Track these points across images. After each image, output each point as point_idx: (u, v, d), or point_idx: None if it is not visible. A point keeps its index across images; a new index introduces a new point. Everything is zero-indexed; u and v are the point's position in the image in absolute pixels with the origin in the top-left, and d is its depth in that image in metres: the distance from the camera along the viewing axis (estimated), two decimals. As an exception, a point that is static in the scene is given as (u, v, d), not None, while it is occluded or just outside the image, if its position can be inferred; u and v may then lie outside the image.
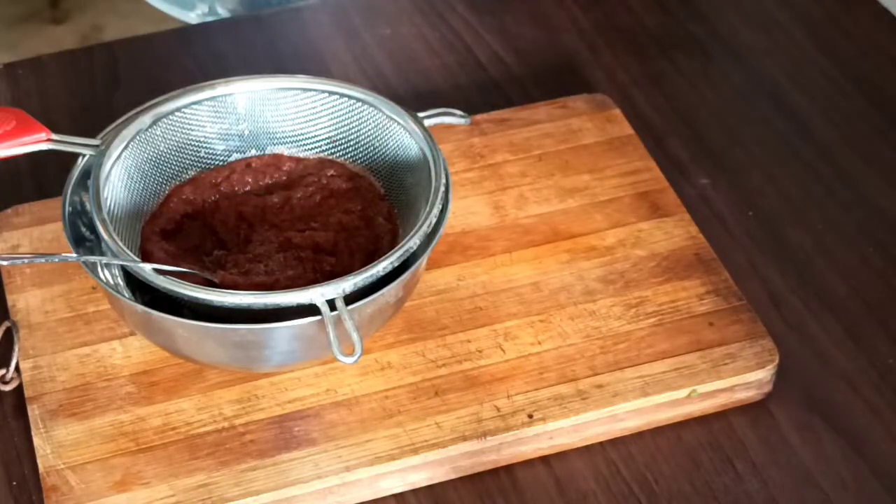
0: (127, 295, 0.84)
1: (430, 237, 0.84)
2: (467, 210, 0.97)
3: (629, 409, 0.86)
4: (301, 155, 0.92)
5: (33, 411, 0.86)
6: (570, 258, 0.94)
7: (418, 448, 0.84)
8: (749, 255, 0.98)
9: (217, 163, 0.92)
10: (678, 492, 0.84)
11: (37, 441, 0.84)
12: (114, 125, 0.87)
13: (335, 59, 1.15)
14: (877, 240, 1.00)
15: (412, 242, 0.82)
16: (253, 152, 0.92)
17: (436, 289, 0.92)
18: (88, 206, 0.84)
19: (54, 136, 0.82)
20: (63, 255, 0.82)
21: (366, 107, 0.91)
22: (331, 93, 0.91)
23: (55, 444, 0.84)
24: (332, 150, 0.92)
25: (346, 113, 0.91)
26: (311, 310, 0.79)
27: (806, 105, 1.11)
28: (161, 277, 0.79)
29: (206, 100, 0.90)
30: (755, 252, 0.99)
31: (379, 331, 0.88)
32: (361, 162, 0.92)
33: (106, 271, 0.86)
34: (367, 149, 0.91)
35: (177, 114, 0.89)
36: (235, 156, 0.92)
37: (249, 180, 0.91)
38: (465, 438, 0.84)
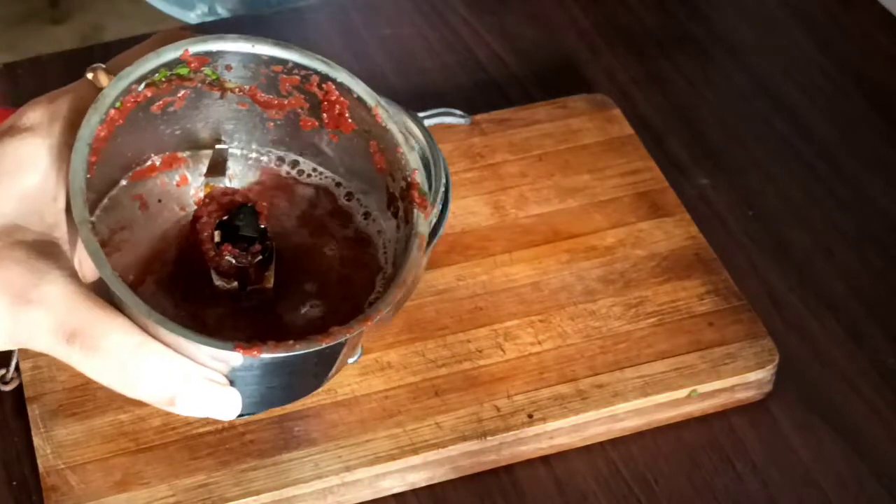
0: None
1: (430, 237, 0.83)
2: (467, 210, 0.97)
3: (629, 409, 0.86)
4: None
5: (33, 411, 0.86)
6: (570, 258, 0.94)
7: (418, 448, 0.84)
8: (749, 255, 0.98)
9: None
10: (678, 492, 0.84)
11: (37, 441, 0.84)
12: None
13: (335, 59, 1.14)
14: (877, 240, 1.00)
15: (412, 242, 0.82)
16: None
17: (436, 289, 0.92)
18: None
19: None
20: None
21: (366, 107, 0.91)
22: (331, 93, 0.91)
23: (55, 444, 0.84)
24: (332, 150, 0.92)
25: (347, 113, 0.91)
26: (311, 310, 0.79)
27: (806, 105, 1.11)
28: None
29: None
30: (755, 252, 0.99)
31: (379, 330, 0.88)
32: (361, 162, 0.91)
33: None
34: (367, 149, 0.91)
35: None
36: None
37: None
38: (465, 438, 0.84)
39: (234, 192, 0.69)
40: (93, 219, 0.62)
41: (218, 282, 0.66)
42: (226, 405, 0.59)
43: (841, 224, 1.01)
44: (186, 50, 0.65)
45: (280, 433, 0.84)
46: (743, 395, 0.89)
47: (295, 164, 0.71)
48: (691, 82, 1.13)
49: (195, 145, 0.70)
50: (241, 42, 0.67)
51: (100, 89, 0.63)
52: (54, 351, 0.57)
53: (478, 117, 1.03)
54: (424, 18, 1.19)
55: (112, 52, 0.67)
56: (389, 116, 0.68)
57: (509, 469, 0.86)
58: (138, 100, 0.65)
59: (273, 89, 0.68)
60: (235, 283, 0.66)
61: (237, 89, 0.68)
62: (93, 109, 0.62)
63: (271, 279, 0.67)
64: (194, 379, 0.58)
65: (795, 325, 0.94)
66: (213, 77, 0.67)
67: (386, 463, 0.83)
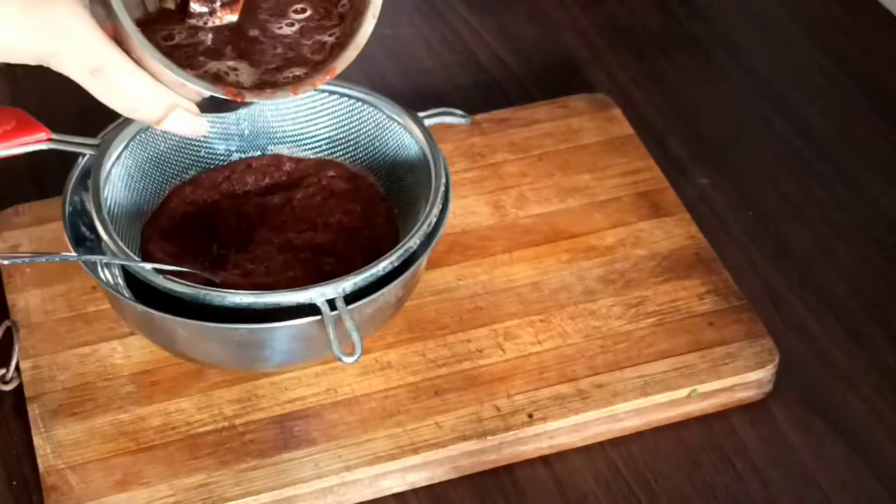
0: (127, 295, 0.84)
1: (430, 237, 0.84)
2: (467, 210, 0.97)
3: (629, 409, 0.86)
4: (301, 155, 0.92)
5: (33, 411, 0.86)
6: (570, 258, 0.94)
7: (418, 448, 0.84)
8: (749, 255, 0.98)
9: (217, 163, 0.92)
10: (678, 492, 0.84)
11: (37, 441, 0.84)
12: (114, 125, 0.87)
13: (335, 59, 1.14)
14: (877, 240, 1.00)
15: (412, 242, 0.82)
16: (253, 152, 0.92)
17: (436, 288, 0.92)
18: (88, 206, 0.84)
19: (54, 136, 0.82)
20: (63, 254, 0.82)
21: (366, 107, 0.91)
22: (331, 93, 0.91)
23: (55, 444, 0.84)
24: (332, 150, 0.92)
25: (346, 113, 0.91)
26: (311, 309, 0.79)
27: (806, 105, 1.11)
28: (161, 277, 0.80)
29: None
30: (755, 252, 0.99)
31: (379, 330, 0.88)
32: (361, 162, 0.92)
33: (106, 271, 0.86)
34: (367, 149, 0.91)
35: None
36: (236, 156, 0.92)
37: (250, 180, 0.91)
38: (465, 438, 0.84)
39: None
40: None
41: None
42: (197, 126, 0.74)
43: (841, 224, 1.01)
44: None
45: (280, 433, 0.84)
46: (743, 395, 0.89)
47: None
48: (691, 82, 1.13)
49: None
50: None
51: None
52: (79, 79, 0.70)
53: (478, 117, 1.03)
54: (424, 18, 1.19)
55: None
56: None
57: (509, 469, 0.86)
58: None
59: None
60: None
61: None
62: None
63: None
64: (181, 107, 0.73)
65: (795, 325, 0.94)
66: None
67: (386, 463, 0.83)
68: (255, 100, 0.73)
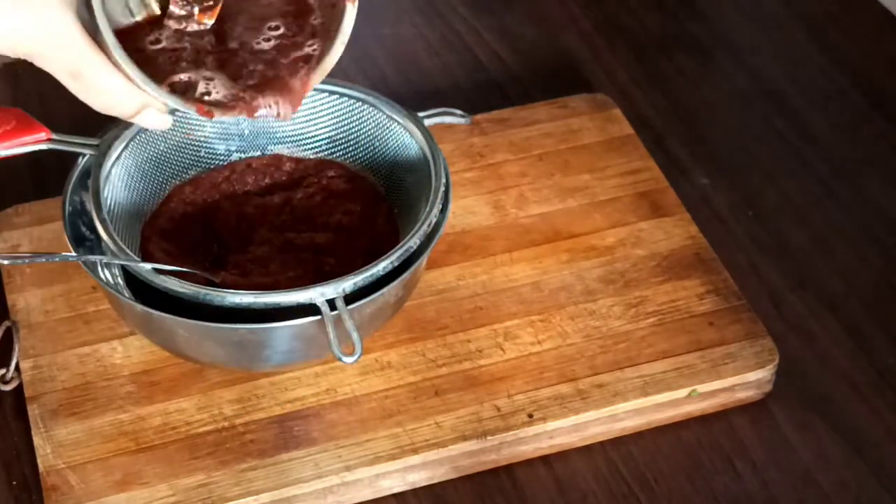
0: (127, 295, 0.84)
1: (430, 237, 0.84)
2: (467, 210, 0.97)
3: (629, 409, 0.86)
4: (301, 155, 0.92)
5: (33, 411, 0.86)
6: (570, 258, 0.94)
7: (418, 448, 0.84)
8: (749, 255, 0.98)
9: (217, 163, 0.92)
10: (678, 492, 0.84)
11: (37, 441, 0.84)
12: (114, 125, 0.87)
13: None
14: (877, 240, 1.00)
15: (412, 242, 0.82)
16: (253, 152, 0.92)
17: (436, 288, 0.92)
18: (88, 206, 0.84)
19: (54, 136, 0.82)
20: (63, 254, 0.82)
21: (366, 107, 0.91)
22: (331, 93, 0.91)
23: (55, 444, 0.84)
24: (332, 150, 0.92)
25: (346, 113, 0.91)
26: (311, 309, 0.79)
27: (806, 105, 1.11)
28: (161, 277, 0.80)
29: (207, 99, 0.90)
30: (755, 252, 0.99)
31: (379, 330, 0.88)
32: (361, 161, 0.92)
33: (106, 271, 0.86)
34: (367, 148, 0.91)
35: (177, 113, 0.89)
36: (236, 156, 0.92)
37: (250, 180, 0.91)
38: (465, 438, 0.84)
39: None
40: None
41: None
42: (163, 122, 0.79)
43: (841, 224, 1.01)
44: None
45: (280, 433, 0.84)
46: (743, 395, 0.89)
47: None
48: (691, 82, 1.13)
49: None
50: None
51: None
52: (59, 77, 0.74)
53: (478, 117, 1.03)
54: (424, 18, 1.20)
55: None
56: None
57: (509, 469, 0.86)
58: None
59: None
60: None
61: None
62: None
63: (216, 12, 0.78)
64: (152, 106, 0.77)
65: (795, 325, 0.94)
66: None
67: (386, 463, 0.83)
68: (222, 118, 0.78)
